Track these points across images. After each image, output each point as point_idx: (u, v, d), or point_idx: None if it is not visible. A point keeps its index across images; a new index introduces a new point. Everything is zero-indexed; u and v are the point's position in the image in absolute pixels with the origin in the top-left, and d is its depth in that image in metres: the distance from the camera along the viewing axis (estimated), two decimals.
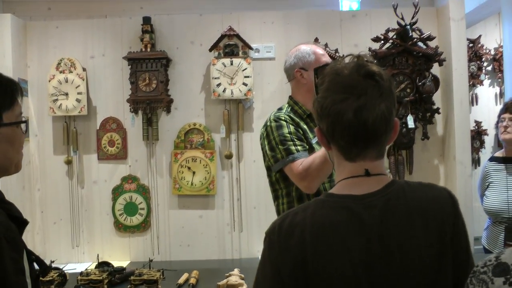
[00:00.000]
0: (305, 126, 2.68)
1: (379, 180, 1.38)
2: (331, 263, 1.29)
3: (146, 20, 4.35)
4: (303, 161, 2.45)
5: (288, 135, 2.57)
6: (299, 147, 2.53)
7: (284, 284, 1.32)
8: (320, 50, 2.78)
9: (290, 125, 2.61)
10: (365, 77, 1.34)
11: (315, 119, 1.45)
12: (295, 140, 2.55)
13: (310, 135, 2.64)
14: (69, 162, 4.44)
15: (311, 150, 2.59)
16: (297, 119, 2.69)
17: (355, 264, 1.28)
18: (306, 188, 2.47)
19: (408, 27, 4.22)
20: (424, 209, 1.34)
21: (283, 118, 2.65)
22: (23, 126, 1.64)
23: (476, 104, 6.09)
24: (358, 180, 1.38)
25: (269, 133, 2.65)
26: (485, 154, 5.88)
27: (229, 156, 4.37)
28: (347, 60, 1.42)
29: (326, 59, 2.74)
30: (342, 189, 1.39)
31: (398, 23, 4.23)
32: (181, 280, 3.11)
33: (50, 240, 4.50)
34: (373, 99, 1.32)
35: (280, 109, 2.80)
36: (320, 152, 2.38)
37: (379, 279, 1.28)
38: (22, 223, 1.56)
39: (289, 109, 2.77)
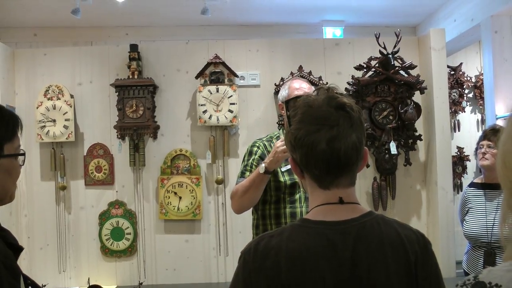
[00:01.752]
0: None
1: (353, 209, 1.44)
2: (304, 286, 1.34)
3: (133, 48, 4.42)
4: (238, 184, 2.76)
5: (251, 161, 2.84)
6: (249, 174, 2.76)
7: None
8: (296, 84, 2.94)
9: (259, 151, 2.85)
10: (337, 109, 1.41)
11: (288, 150, 1.51)
12: (253, 167, 2.80)
13: (282, 163, 2.77)
14: (63, 188, 4.48)
15: (279, 176, 2.77)
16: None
17: (326, 287, 1.33)
18: (232, 207, 2.83)
19: (390, 56, 4.32)
20: (394, 243, 1.39)
21: (257, 144, 2.91)
22: (21, 158, 1.69)
23: (459, 130, 6.20)
24: (332, 207, 1.43)
25: (245, 154, 2.99)
26: (467, 179, 5.96)
27: (219, 182, 4.44)
28: (317, 92, 1.49)
29: (298, 92, 2.85)
30: (317, 215, 1.44)
31: (381, 52, 4.33)
32: None
33: (37, 266, 4.50)
34: (345, 129, 1.38)
35: (268, 135, 3.04)
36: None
37: None
38: (17, 249, 1.61)
39: (274, 137, 2.97)
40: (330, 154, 1.37)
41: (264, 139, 2.94)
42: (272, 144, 2.87)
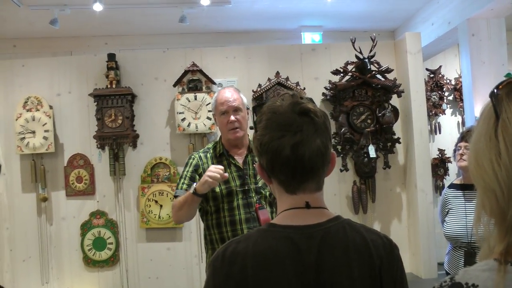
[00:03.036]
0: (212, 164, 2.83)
1: (320, 213, 1.44)
2: None
3: (111, 57, 4.44)
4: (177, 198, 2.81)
5: (185, 173, 2.86)
6: (184, 185, 2.81)
7: None
8: (223, 97, 2.87)
9: (193, 162, 2.88)
10: (300, 115, 1.41)
11: (255, 155, 1.53)
12: (187, 178, 2.84)
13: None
14: (44, 200, 4.46)
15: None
16: (208, 159, 2.89)
17: None
18: (172, 218, 3.03)
19: (366, 60, 4.35)
20: (360, 247, 1.40)
21: (193, 156, 2.92)
22: None
23: (440, 132, 6.23)
24: (299, 212, 1.44)
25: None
26: (449, 181, 5.96)
27: None
28: (283, 98, 1.50)
29: (223, 107, 2.83)
30: (284, 219, 1.44)
31: (357, 57, 4.36)
32: None
33: (19, 278, 4.48)
34: (309, 135, 1.39)
35: (206, 147, 3.02)
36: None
37: None
38: None
39: (212, 147, 2.96)
40: (295, 159, 1.38)
41: (201, 151, 2.96)
42: (208, 156, 2.90)
